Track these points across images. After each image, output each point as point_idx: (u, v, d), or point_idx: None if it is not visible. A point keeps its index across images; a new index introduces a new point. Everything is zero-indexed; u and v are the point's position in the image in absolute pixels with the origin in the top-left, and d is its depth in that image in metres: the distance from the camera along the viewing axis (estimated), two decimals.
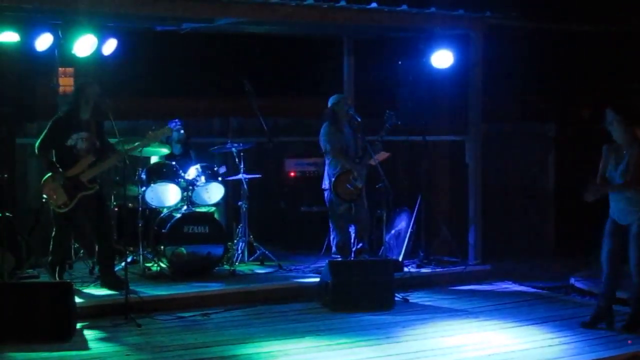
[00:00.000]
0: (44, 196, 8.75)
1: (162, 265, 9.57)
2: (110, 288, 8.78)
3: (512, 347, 7.41)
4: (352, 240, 10.28)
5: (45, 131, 8.72)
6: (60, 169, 8.63)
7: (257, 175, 10.38)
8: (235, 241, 10.26)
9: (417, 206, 10.34)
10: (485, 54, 10.50)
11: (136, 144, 8.89)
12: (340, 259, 9.89)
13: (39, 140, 8.71)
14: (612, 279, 7.91)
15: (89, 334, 7.72)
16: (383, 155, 10.31)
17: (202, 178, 9.82)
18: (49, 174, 8.66)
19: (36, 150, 8.77)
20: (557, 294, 9.68)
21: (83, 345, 7.39)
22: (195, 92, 12.81)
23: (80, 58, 9.32)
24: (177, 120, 10.26)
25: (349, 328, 8.02)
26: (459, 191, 11.27)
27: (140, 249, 9.50)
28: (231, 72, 11.65)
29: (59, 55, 10.05)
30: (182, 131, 10.25)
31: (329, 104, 10.18)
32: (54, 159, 8.71)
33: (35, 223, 9.71)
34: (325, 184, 10.18)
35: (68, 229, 8.96)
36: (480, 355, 7.18)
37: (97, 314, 8.20)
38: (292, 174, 11.49)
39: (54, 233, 8.87)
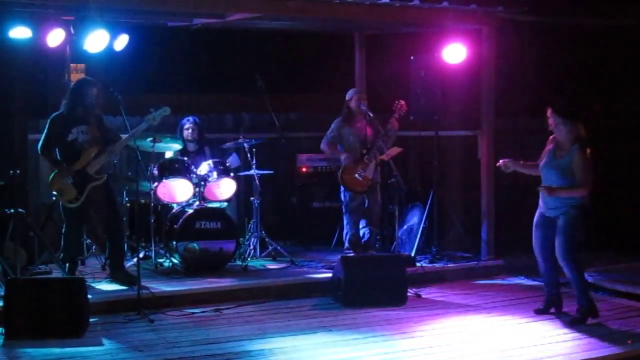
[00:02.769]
0: (54, 193, 8.78)
1: (174, 261, 9.58)
2: (120, 283, 8.80)
3: (524, 342, 7.39)
4: (362, 235, 10.28)
5: (45, 132, 8.79)
6: (66, 165, 8.67)
7: (269, 171, 10.37)
8: (247, 237, 10.25)
9: (429, 201, 10.31)
10: (498, 49, 10.46)
11: (136, 128, 8.77)
12: (352, 254, 9.88)
13: (40, 143, 8.78)
14: (549, 267, 8.25)
15: (101, 329, 7.73)
16: (395, 150, 10.30)
17: (214, 174, 9.80)
18: (55, 172, 8.71)
19: (40, 153, 8.85)
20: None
21: (96, 340, 7.40)
22: (207, 88, 12.80)
23: (92, 54, 9.31)
24: (190, 117, 10.26)
25: (361, 323, 8.00)
26: (471, 186, 11.23)
27: (152, 245, 9.49)
28: (243, 68, 11.65)
29: (71, 51, 10.08)
30: (191, 130, 10.22)
31: (346, 99, 10.20)
32: (58, 156, 8.77)
33: (47, 219, 9.73)
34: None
35: (79, 225, 8.98)
36: (493, 350, 7.16)
37: (110, 309, 8.20)
38: (304, 169, 11.46)
39: (64, 229, 8.90)
